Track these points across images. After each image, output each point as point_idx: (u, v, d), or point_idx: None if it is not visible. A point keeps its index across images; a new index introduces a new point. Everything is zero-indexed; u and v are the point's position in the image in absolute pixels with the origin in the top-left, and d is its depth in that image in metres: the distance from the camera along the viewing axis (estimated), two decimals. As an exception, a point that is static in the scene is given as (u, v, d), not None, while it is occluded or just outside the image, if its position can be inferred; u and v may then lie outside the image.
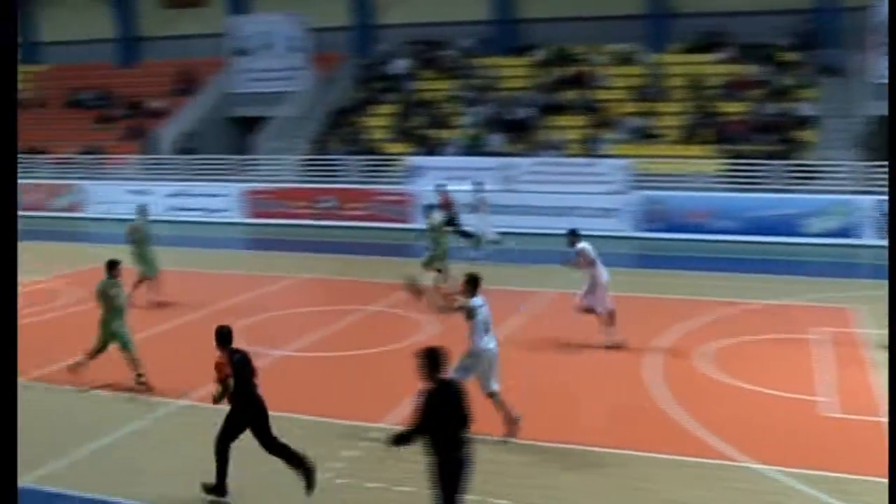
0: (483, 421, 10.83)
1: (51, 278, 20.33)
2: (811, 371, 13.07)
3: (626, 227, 25.69)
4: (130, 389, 12.35)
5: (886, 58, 22.06)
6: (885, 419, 10.43)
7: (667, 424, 11.04)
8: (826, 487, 9.18)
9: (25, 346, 13.31)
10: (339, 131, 32.67)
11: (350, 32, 37.03)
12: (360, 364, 13.76)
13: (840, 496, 9.02)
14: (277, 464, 8.97)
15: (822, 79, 29.46)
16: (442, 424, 7.23)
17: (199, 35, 38.32)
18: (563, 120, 30.27)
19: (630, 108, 30.02)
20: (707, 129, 28.32)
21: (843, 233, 24.18)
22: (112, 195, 31.11)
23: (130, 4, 40.82)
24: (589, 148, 28.32)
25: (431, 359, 7.37)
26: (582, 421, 11.30)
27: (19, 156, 35.08)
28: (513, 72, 33.13)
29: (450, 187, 23.53)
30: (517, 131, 30.08)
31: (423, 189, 25.29)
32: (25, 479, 9.64)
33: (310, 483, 8.91)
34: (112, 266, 12.76)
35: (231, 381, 8.79)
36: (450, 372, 10.54)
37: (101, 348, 12.72)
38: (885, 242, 17.27)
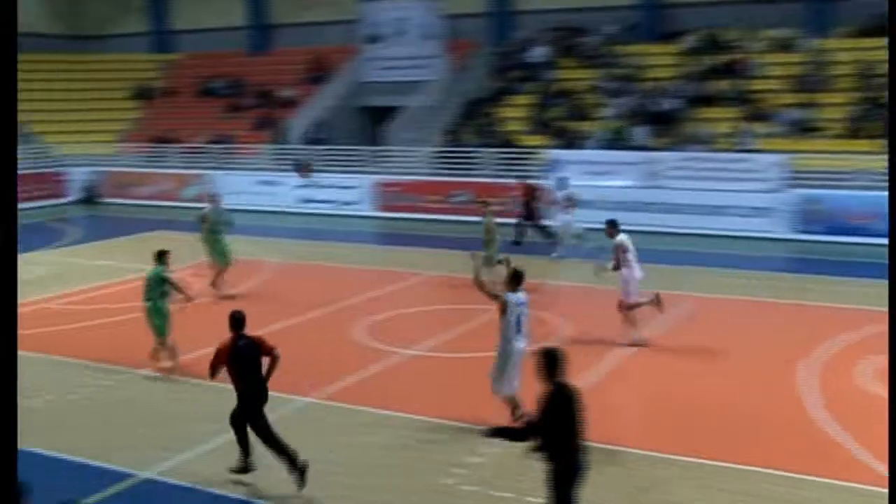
0: (615, 430, 10.75)
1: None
2: None
3: (780, 229, 24.96)
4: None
5: None
6: None
7: (829, 447, 10.68)
8: None
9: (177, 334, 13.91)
10: (473, 122, 32.86)
11: (486, 19, 37.15)
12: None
13: None
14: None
15: None
16: (561, 429, 7.26)
17: (331, 22, 39.18)
18: (713, 112, 29.62)
19: (788, 99, 29.14)
20: (875, 122, 27.23)
21: None
22: (241, 185, 32.05)
23: (263, -9, 42.17)
24: (740, 142, 27.66)
25: (550, 360, 7.39)
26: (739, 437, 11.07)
27: (151, 146, 36.76)
28: (659, 60, 32.57)
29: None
30: (663, 124, 29.60)
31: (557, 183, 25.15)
32: (156, 471, 10.11)
33: (301, 480, 9.36)
34: (161, 255, 13.80)
35: (219, 368, 9.47)
36: (503, 380, 10.64)
37: (161, 337, 13.62)
38: None
